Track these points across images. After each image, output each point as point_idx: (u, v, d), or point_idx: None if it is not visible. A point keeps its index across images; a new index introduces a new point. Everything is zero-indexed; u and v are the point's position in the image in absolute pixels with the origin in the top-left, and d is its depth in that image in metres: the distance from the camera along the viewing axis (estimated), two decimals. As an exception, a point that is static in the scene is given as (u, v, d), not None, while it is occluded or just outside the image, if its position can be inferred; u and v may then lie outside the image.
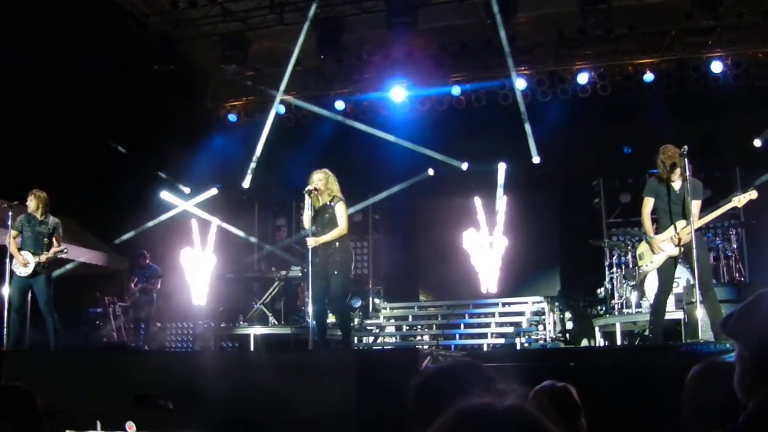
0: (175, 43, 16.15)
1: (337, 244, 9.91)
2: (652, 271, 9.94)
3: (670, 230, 9.29)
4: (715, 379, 3.07)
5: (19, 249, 11.41)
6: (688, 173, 9.03)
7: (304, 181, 10.06)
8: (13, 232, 11.44)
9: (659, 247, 9.39)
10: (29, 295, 11.49)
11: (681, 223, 9.22)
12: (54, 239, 11.55)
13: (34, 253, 11.31)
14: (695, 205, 9.19)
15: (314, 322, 10.12)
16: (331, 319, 12.08)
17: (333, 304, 10.38)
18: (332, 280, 9.89)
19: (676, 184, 9.29)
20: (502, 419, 1.55)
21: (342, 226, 9.95)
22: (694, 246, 8.83)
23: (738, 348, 2.46)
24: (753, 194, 9.52)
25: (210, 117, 18.49)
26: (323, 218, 9.94)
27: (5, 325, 11.13)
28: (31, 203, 11.47)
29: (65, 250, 11.70)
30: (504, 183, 16.52)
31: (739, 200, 9.52)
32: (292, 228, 18.95)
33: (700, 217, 9.36)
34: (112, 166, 15.62)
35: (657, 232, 9.51)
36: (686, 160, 9.00)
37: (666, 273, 9.50)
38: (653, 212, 9.59)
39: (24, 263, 11.28)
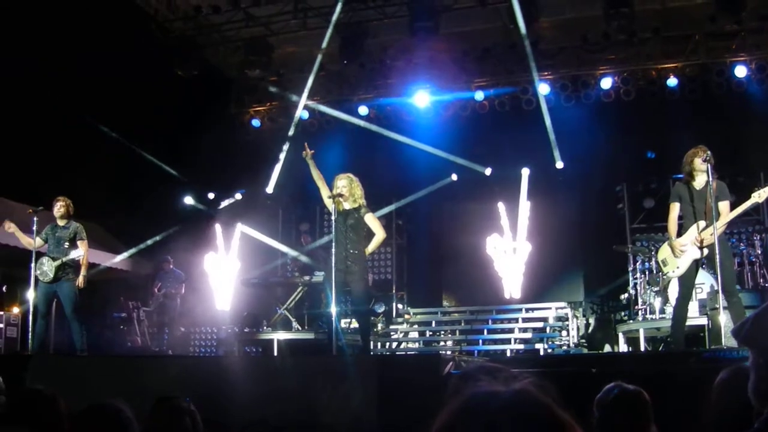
0: (198, 48, 16.23)
1: (358, 251, 9.94)
2: (676, 277, 9.85)
3: (692, 231, 9.24)
4: (743, 385, 3.05)
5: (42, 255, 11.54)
6: (710, 176, 8.98)
7: (329, 186, 10.14)
8: (39, 241, 11.56)
9: (680, 249, 9.32)
10: (54, 301, 11.61)
11: (702, 224, 9.16)
12: (77, 243, 11.61)
13: (54, 258, 11.40)
14: (724, 206, 9.13)
15: (338, 326, 10.13)
16: (354, 324, 12.10)
17: (356, 307, 10.39)
18: (354, 285, 9.90)
19: (699, 186, 9.24)
20: (507, 404, 1.54)
21: (382, 233, 10.14)
22: (717, 252, 8.77)
23: (752, 355, 2.44)
24: None
25: (234, 122, 18.54)
26: (347, 223, 9.95)
27: (30, 329, 11.27)
28: (61, 209, 11.57)
29: (80, 255, 11.64)
30: (527, 188, 16.45)
31: (760, 195, 9.35)
32: (315, 233, 18.97)
33: (723, 217, 9.27)
34: (136, 171, 15.70)
35: (681, 235, 9.45)
36: (709, 164, 8.96)
37: (687, 278, 9.43)
38: (680, 217, 9.54)
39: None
